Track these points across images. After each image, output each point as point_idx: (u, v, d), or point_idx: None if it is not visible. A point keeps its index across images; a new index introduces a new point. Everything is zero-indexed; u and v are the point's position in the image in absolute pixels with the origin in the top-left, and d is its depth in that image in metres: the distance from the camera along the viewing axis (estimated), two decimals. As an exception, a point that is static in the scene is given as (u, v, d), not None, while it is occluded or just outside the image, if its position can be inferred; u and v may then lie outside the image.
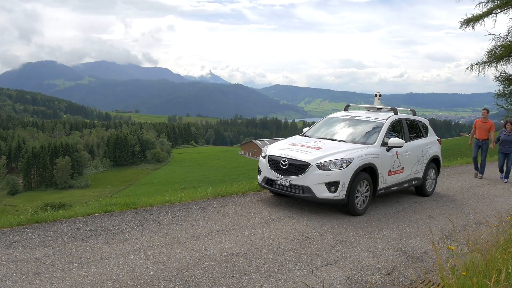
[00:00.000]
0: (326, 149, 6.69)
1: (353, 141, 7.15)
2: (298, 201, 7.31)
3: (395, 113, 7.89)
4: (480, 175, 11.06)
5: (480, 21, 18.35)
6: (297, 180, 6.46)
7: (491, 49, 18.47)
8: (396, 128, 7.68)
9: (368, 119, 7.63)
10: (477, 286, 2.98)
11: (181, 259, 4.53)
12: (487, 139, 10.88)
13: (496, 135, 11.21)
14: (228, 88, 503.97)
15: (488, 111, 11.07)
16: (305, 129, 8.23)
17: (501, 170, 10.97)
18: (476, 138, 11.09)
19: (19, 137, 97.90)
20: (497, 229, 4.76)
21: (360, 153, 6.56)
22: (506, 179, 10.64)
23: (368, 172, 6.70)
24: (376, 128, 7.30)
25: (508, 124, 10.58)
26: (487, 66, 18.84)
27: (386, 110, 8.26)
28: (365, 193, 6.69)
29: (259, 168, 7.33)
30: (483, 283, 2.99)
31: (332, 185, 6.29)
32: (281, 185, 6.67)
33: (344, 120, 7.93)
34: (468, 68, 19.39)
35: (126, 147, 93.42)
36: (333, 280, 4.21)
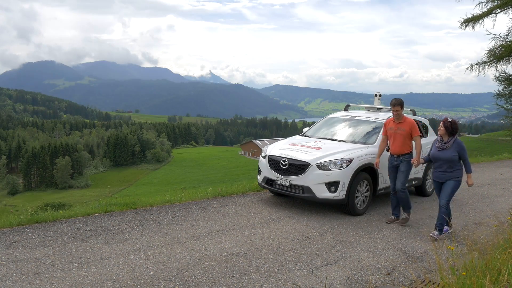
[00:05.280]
0: (326, 149, 6.69)
1: (353, 141, 7.15)
2: (298, 201, 7.31)
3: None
4: (393, 217, 6.40)
5: (480, 21, 18.36)
6: (297, 180, 6.46)
7: (491, 49, 18.47)
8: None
9: (368, 119, 7.63)
10: (477, 286, 2.98)
11: (181, 259, 4.53)
12: (408, 153, 6.20)
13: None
14: (228, 88, 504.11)
15: (402, 105, 6.13)
16: (305, 129, 8.23)
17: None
18: (390, 154, 6.43)
19: (19, 137, 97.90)
20: (497, 229, 4.76)
21: (360, 153, 6.56)
22: (436, 233, 5.73)
23: (368, 172, 6.70)
24: (376, 128, 7.29)
25: (442, 127, 5.66)
26: (487, 66, 18.84)
27: (386, 110, 8.26)
28: (365, 193, 6.69)
29: (259, 168, 7.33)
30: (483, 283, 3.00)
31: (332, 185, 6.30)
32: (281, 185, 6.68)
33: (344, 120, 7.93)
34: (468, 68, 19.40)
35: (126, 147, 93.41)
36: (333, 280, 4.21)
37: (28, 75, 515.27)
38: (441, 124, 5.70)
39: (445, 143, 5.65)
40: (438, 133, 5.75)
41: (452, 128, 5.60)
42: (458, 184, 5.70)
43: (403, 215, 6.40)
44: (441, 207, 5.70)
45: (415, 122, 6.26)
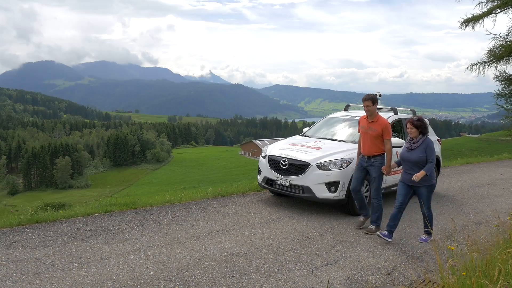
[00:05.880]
0: (326, 149, 6.69)
1: (353, 141, 7.14)
2: (298, 201, 7.30)
3: (395, 113, 7.89)
4: (361, 218, 6.02)
5: (480, 21, 18.34)
6: (297, 180, 6.46)
7: (491, 49, 18.45)
8: (396, 128, 7.67)
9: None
10: (477, 286, 2.98)
11: (181, 259, 4.53)
12: (378, 155, 5.74)
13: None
14: (228, 88, 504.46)
15: (373, 100, 5.66)
16: (305, 129, 8.23)
17: (392, 222, 5.37)
18: (361, 154, 5.97)
19: (19, 137, 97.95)
20: (497, 229, 4.76)
21: (360, 153, 6.56)
22: (423, 238, 5.56)
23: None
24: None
25: (413, 128, 5.27)
26: (487, 66, 18.81)
27: (386, 110, 8.26)
28: (365, 193, 6.68)
29: (259, 168, 7.33)
30: (483, 283, 2.99)
31: (332, 185, 6.30)
32: (281, 185, 6.68)
33: (344, 120, 7.93)
34: (468, 68, 19.37)
35: (126, 147, 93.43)
36: (333, 280, 4.21)
37: (28, 75, 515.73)
38: (409, 125, 5.29)
39: (413, 143, 5.28)
40: (410, 135, 5.35)
41: (424, 126, 5.24)
42: (431, 187, 5.41)
43: (370, 225, 5.80)
44: (424, 214, 5.48)
45: (388, 123, 5.71)
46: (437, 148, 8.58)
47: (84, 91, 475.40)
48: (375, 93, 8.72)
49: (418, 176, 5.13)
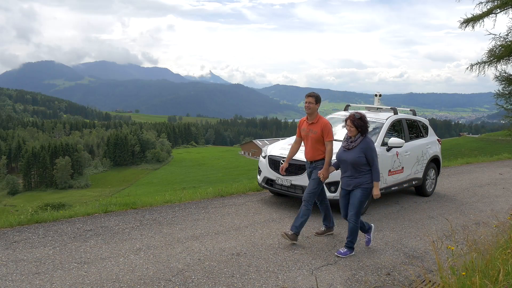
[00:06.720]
0: (326, 149, 6.68)
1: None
2: (298, 201, 7.30)
3: (395, 113, 7.89)
4: (323, 229, 5.64)
5: (480, 21, 18.33)
6: (297, 180, 6.46)
7: (491, 49, 18.44)
8: (396, 128, 7.68)
9: (368, 119, 7.62)
10: (477, 286, 2.98)
11: (181, 259, 4.53)
12: (322, 159, 5.23)
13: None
14: (228, 88, 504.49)
15: (316, 98, 5.30)
16: (305, 129, 8.21)
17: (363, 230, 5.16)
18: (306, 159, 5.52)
19: (19, 137, 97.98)
20: (497, 229, 4.76)
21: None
22: (342, 251, 4.84)
23: None
24: (376, 128, 7.29)
25: (352, 127, 4.87)
26: (487, 66, 18.80)
27: (386, 110, 8.26)
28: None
29: (259, 168, 7.34)
30: (483, 283, 3.00)
31: (332, 185, 6.30)
32: (281, 185, 6.68)
33: (344, 120, 7.91)
34: (468, 68, 19.37)
35: (126, 147, 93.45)
36: (333, 280, 4.21)
37: (28, 75, 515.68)
38: (348, 122, 4.79)
39: (351, 142, 4.81)
40: (348, 134, 4.89)
41: (364, 127, 4.78)
42: (367, 192, 4.80)
43: (289, 231, 5.17)
44: (349, 221, 4.82)
45: (329, 124, 5.27)
46: (437, 148, 8.59)
47: (84, 91, 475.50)
48: (375, 93, 8.74)
49: (377, 194, 4.77)
